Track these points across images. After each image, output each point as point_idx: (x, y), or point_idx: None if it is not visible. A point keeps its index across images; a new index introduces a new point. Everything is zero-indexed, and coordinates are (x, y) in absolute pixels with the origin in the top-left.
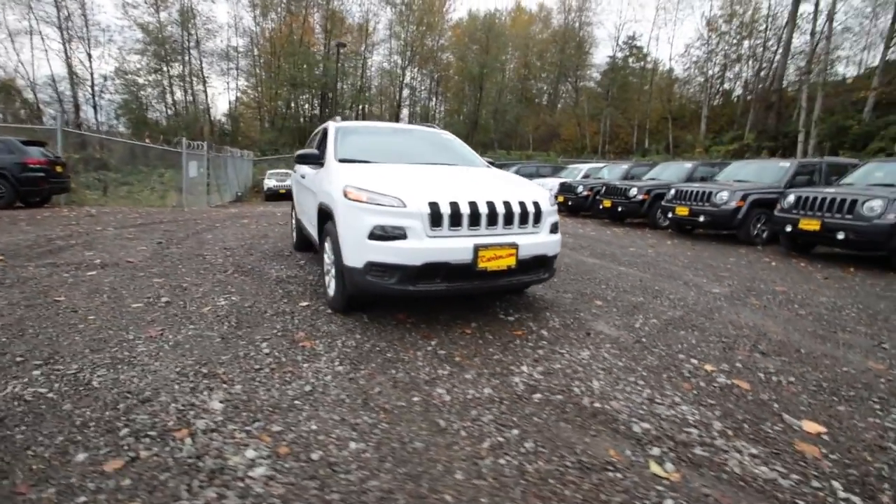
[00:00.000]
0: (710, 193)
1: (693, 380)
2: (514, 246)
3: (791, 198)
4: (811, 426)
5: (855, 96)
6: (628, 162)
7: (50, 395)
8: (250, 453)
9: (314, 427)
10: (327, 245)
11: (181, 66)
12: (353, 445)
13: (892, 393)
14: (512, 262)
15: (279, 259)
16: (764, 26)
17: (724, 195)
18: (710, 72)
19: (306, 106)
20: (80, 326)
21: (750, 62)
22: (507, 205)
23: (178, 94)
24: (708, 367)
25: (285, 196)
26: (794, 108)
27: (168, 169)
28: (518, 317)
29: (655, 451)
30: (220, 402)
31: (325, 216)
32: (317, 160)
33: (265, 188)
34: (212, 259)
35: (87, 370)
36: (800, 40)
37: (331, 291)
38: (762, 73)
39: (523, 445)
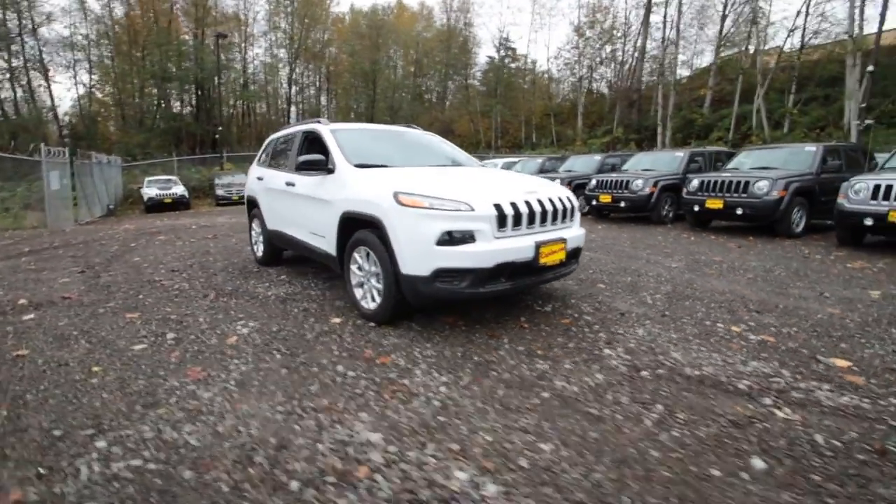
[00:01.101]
0: (628, 182)
1: (735, 340)
2: (564, 240)
3: (696, 182)
4: (840, 362)
5: (695, 94)
6: (541, 156)
7: (151, 465)
8: (461, 474)
9: (489, 438)
10: (358, 256)
11: (9, 56)
12: (545, 447)
13: (863, 328)
14: (563, 255)
15: (253, 276)
16: (621, 33)
17: (640, 183)
18: (580, 73)
19: (177, 103)
20: (94, 381)
21: (612, 65)
22: (552, 202)
23: (7, 91)
24: (734, 329)
25: (172, 206)
26: (652, 105)
27: (21, 181)
28: (552, 307)
29: (768, 401)
30: (373, 431)
31: (358, 225)
32: (323, 167)
33: (145, 198)
34: (172, 284)
35: (167, 429)
36: (651, 45)
37: (367, 304)
38: (623, 75)
39: (677, 417)
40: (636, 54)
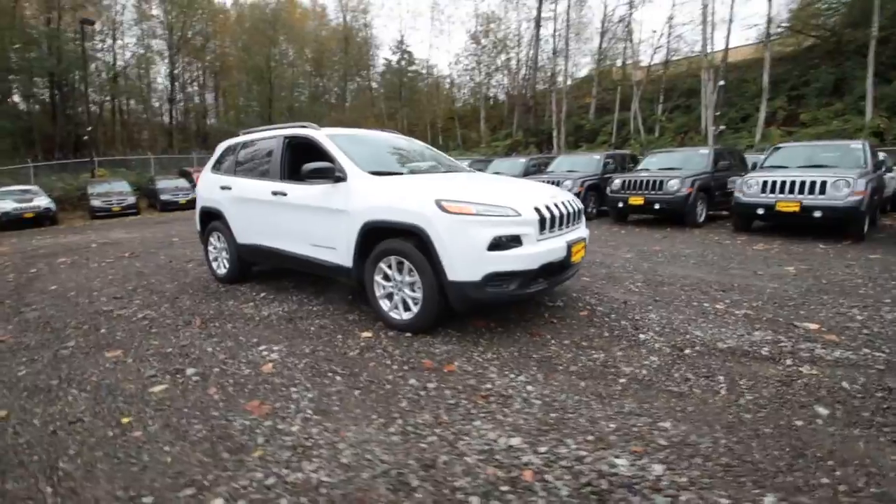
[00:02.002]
0: (558, 183)
1: (726, 316)
2: (584, 239)
3: (618, 182)
4: (812, 325)
5: (581, 102)
6: (524, 156)
7: None
8: (621, 461)
9: (613, 425)
10: (385, 266)
11: None
12: (665, 425)
13: (803, 297)
14: (584, 253)
15: (226, 296)
16: (515, 43)
17: (568, 183)
18: (479, 79)
19: (26, 99)
20: (137, 434)
21: (507, 72)
22: (567, 205)
23: None
24: (718, 306)
25: (35, 222)
26: (546, 111)
27: None
28: (562, 301)
29: (788, 361)
30: (507, 436)
31: (383, 235)
32: (331, 175)
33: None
34: (132, 313)
35: (285, 471)
36: (542, 56)
37: (397, 315)
38: (518, 82)
39: (739, 384)
40: (529, 63)
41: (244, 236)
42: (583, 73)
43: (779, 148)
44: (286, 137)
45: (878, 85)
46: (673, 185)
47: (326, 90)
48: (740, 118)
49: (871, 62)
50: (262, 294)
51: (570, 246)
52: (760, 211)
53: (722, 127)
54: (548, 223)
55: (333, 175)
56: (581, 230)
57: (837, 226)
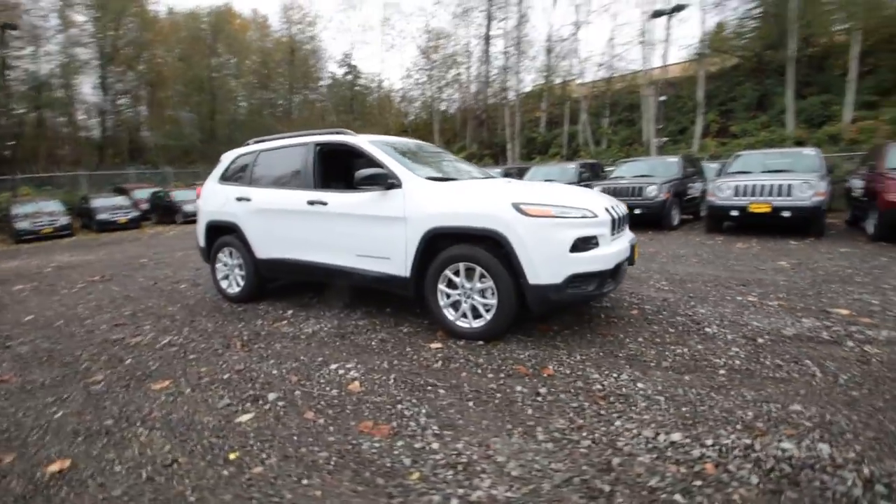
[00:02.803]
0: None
1: (765, 307)
2: (636, 240)
3: (598, 189)
4: (843, 311)
5: (531, 115)
6: (572, 162)
7: None
8: (788, 444)
9: (750, 413)
10: (451, 273)
11: None
12: (796, 407)
13: (813, 287)
14: (637, 253)
15: (248, 316)
16: (465, 59)
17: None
18: (429, 93)
19: None
20: (258, 470)
21: (458, 87)
22: (620, 208)
23: None
24: (750, 299)
25: None
26: (499, 124)
27: None
28: (608, 302)
29: (851, 343)
30: (664, 433)
31: (448, 242)
32: (383, 182)
33: None
34: (151, 340)
35: (461, 490)
36: (493, 71)
37: (465, 323)
38: (469, 96)
39: (827, 365)
40: (480, 78)
41: (266, 250)
42: (531, 87)
43: (739, 156)
44: (317, 144)
45: (795, 100)
46: (651, 191)
47: (271, 103)
48: (678, 130)
49: (790, 80)
50: (290, 311)
51: (633, 246)
52: (734, 213)
53: (665, 139)
54: (616, 225)
55: (386, 182)
56: (629, 233)
57: (801, 224)
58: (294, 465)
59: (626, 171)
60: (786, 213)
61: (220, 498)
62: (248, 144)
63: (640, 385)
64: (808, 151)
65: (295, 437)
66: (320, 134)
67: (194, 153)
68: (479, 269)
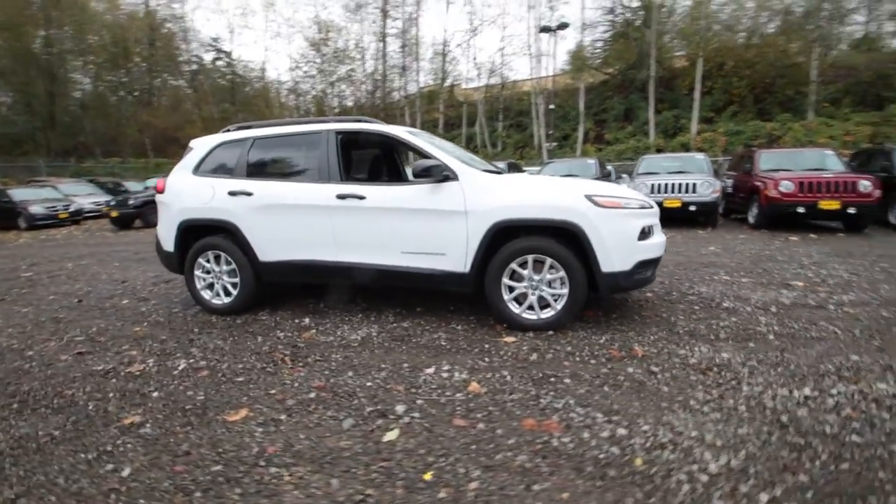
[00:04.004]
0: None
1: (744, 283)
2: None
3: None
4: (800, 283)
5: (430, 116)
6: (591, 158)
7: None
8: (884, 385)
9: (833, 365)
10: (516, 266)
11: None
12: (864, 357)
13: (759, 265)
14: None
15: (258, 329)
16: (359, 56)
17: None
18: (319, 87)
19: None
20: (443, 496)
21: (352, 83)
22: None
23: None
24: (726, 278)
25: None
26: (399, 123)
27: None
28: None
29: (831, 307)
30: (815, 391)
31: (515, 234)
32: (439, 173)
33: None
34: (165, 368)
35: (687, 471)
36: (390, 70)
37: (531, 315)
38: (365, 93)
39: (836, 325)
40: (377, 76)
41: (275, 252)
42: (427, 89)
43: (644, 159)
44: (339, 133)
45: (655, 114)
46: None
47: (126, 87)
48: (563, 136)
49: (651, 96)
50: (307, 319)
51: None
52: None
53: (554, 143)
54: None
55: (441, 174)
56: None
57: (702, 216)
58: (507, 474)
59: (550, 171)
60: (692, 208)
61: None
62: (228, 130)
63: (724, 355)
64: (698, 156)
65: (472, 446)
66: (337, 121)
67: (27, 143)
68: (549, 261)
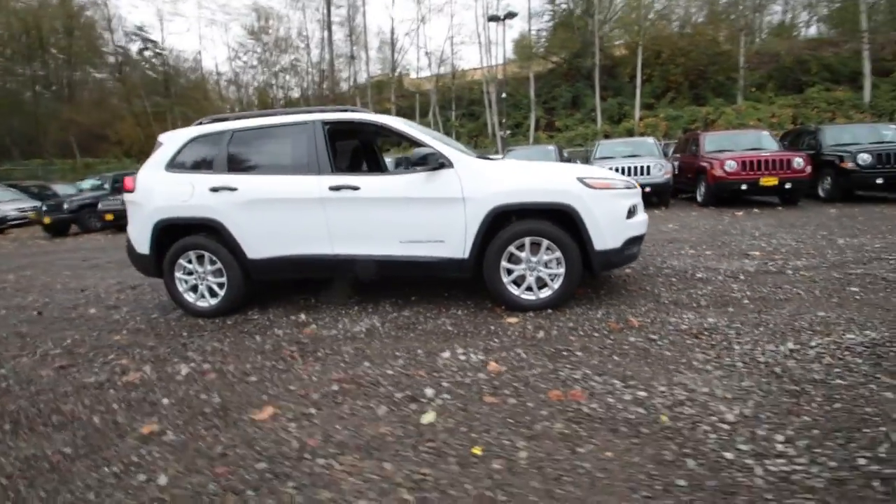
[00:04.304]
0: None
1: (709, 255)
2: None
3: None
4: (757, 253)
5: (382, 106)
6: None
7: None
8: (885, 332)
9: (806, 322)
10: (514, 249)
11: None
12: (837, 311)
13: (718, 238)
14: None
15: (252, 328)
16: (304, 44)
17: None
18: (262, 77)
19: None
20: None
21: (297, 72)
22: None
23: None
24: (692, 251)
25: None
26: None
27: None
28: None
29: (789, 272)
30: (797, 344)
31: (509, 217)
32: (435, 161)
33: None
34: (166, 375)
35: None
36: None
37: (529, 296)
38: (313, 83)
39: (798, 287)
40: (324, 66)
41: (264, 249)
42: (377, 78)
43: (600, 144)
44: (325, 123)
45: (601, 101)
46: None
47: (41, 81)
48: (515, 124)
49: (596, 84)
50: (302, 315)
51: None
52: None
53: (508, 131)
54: None
55: (437, 162)
56: None
57: (656, 196)
58: (550, 441)
59: (514, 159)
60: (647, 189)
61: (530, 486)
62: (201, 123)
63: (710, 320)
64: (649, 140)
65: (509, 420)
66: (322, 111)
67: None
68: (545, 242)
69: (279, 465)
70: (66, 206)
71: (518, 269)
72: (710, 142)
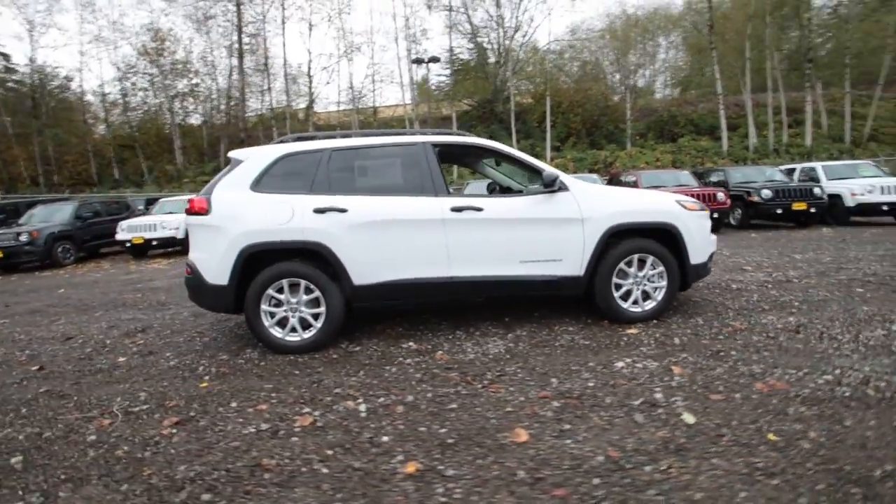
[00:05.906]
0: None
1: (737, 271)
2: None
3: None
4: (748, 268)
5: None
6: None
7: None
8: None
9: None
10: (624, 265)
11: None
12: (871, 309)
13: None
14: None
15: (355, 365)
16: (208, 69)
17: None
18: (159, 102)
19: None
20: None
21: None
22: None
23: None
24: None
25: None
26: (261, 143)
27: None
28: None
29: (795, 279)
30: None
31: (623, 237)
32: (554, 184)
33: None
34: (346, 422)
35: None
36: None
37: (636, 308)
38: (221, 111)
39: (814, 291)
40: (233, 93)
41: (374, 274)
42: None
43: None
44: (436, 145)
45: (516, 143)
46: None
47: None
48: None
49: (512, 127)
50: (410, 344)
51: None
52: None
53: None
54: None
55: (555, 185)
56: None
57: None
58: (800, 424)
59: (473, 190)
60: None
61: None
62: (284, 142)
63: (791, 319)
64: (592, 176)
65: (758, 410)
66: (431, 133)
67: None
68: (650, 258)
69: (617, 478)
70: None
71: (626, 284)
72: (647, 179)
